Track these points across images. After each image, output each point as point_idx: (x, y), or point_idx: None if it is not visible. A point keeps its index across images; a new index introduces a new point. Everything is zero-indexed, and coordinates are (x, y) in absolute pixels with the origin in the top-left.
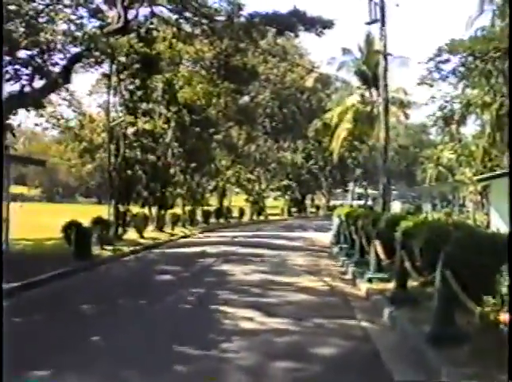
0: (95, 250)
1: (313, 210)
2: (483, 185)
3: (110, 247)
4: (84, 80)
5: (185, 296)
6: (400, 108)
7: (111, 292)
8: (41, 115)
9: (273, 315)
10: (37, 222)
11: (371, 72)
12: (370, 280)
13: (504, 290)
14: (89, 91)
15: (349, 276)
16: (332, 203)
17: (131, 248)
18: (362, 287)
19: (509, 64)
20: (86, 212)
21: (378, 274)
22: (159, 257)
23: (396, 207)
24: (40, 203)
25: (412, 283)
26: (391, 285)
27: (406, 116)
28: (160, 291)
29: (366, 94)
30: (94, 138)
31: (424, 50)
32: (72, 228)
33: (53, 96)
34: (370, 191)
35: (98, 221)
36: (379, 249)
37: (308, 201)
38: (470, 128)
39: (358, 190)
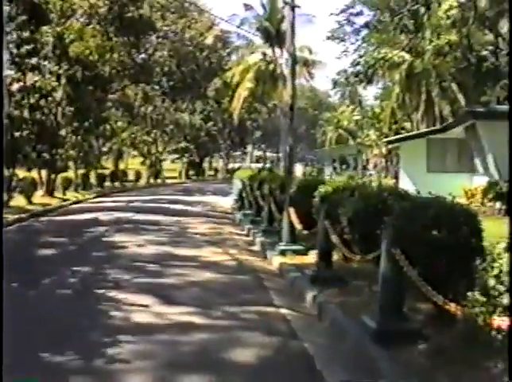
0: None
1: (211, 173)
2: (388, 147)
3: None
4: None
5: (67, 277)
6: (304, 67)
7: None
8: None
9: (174, 302)
10: None
11: (274, 29)
12: (283, 253)
13: (492, 282)
14: None
15: (257, 247)
16: (231, 166)
17: (16, 216)
18: (275, 261)
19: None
20: None
21: (292, 246)
22: (45, 226)
23: (298, 170)
24: None
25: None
26: (309, 259)
27: (311, 76)
28: (38, 271)
29: (269, 52)
30: None
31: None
32: None
33: None
34: (268, 154)
35: None
36: (293, 217)
37: (206, 164)
38: (370, 90)
39: (257, 153)
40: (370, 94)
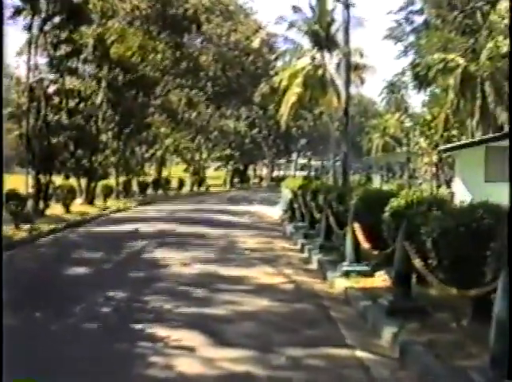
0: (7, 230)
1: (256, 181)
2: (440, 155)
3: (27, 226)
4: (15, 40)
5: (99, 305)
6: (355, 71)
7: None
8: None
9: (226, 342)
10: None
11: (324, 33)
12: (346, 274)
13: None
14: (17, 52)
15: (314, 266)
16: (276, 174)
17: (52, 226)
18: (338, 284)
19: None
20: (18, 184)
21: (356, 267)
22: (81, 238)
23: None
24: None
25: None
26: (377, 282)
27: (362, 80)
28: (67, 296)
29: (318, 56)
30: (21, 103)
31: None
32: None
33: None
34: (313, 162)
35: (10, 195)
36: (359, 235)
37: (250, 172)
38: (416, 98)
39: (302, 161)
40: (415, 101)
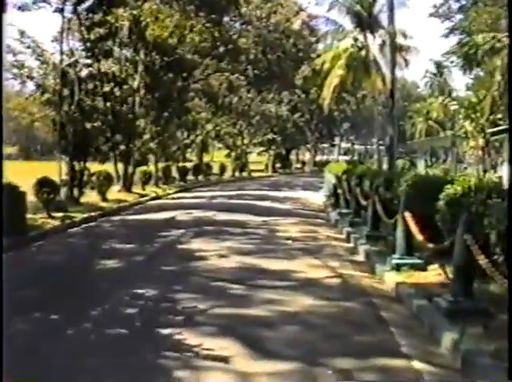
0: (40, 219)
1: (299, 166)
2: (487, 139)
3: (60, 214)
4: (50, 26)
5: (125, 305)
6: (399, 52)
7: (20, 295)
8: None
9: (265, 351)
10: None
11: (366, 13)
12: (397, 267)
13: None
14: (53, 37)
15: (361, 257)
16: (318, 158)
17: (85, 215)
18: (387, 279)
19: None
20: (54, 171)
21: (407, 259)
22: (115, 228)
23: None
24: (16, 161)
25: None
26: (430, 276)
27: (406, 62)
28: (92, 293)
29: (360, 37)
30: (57, 89)
31: None
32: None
33: (13, 43)
34: (356, 146)
35: (42, 183)
36: (412, 225)
37: (293, 157)
38: (459, 81)
39: (345, 145)
40: (458, 84)
